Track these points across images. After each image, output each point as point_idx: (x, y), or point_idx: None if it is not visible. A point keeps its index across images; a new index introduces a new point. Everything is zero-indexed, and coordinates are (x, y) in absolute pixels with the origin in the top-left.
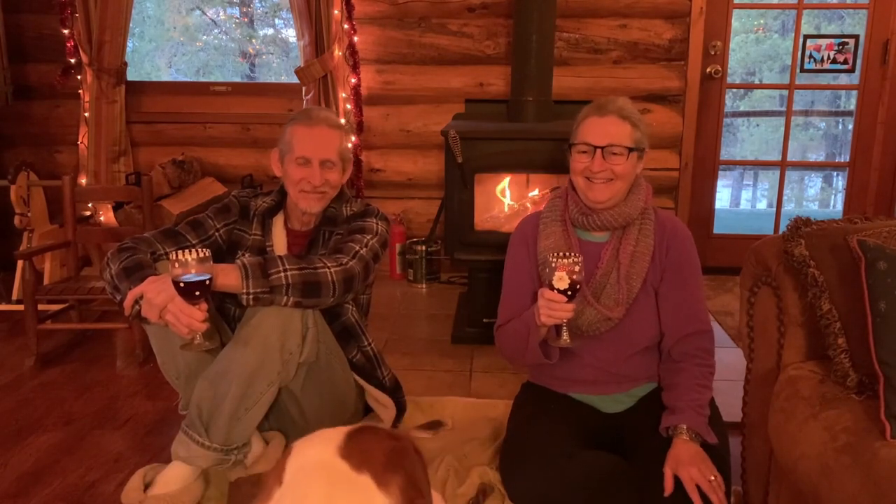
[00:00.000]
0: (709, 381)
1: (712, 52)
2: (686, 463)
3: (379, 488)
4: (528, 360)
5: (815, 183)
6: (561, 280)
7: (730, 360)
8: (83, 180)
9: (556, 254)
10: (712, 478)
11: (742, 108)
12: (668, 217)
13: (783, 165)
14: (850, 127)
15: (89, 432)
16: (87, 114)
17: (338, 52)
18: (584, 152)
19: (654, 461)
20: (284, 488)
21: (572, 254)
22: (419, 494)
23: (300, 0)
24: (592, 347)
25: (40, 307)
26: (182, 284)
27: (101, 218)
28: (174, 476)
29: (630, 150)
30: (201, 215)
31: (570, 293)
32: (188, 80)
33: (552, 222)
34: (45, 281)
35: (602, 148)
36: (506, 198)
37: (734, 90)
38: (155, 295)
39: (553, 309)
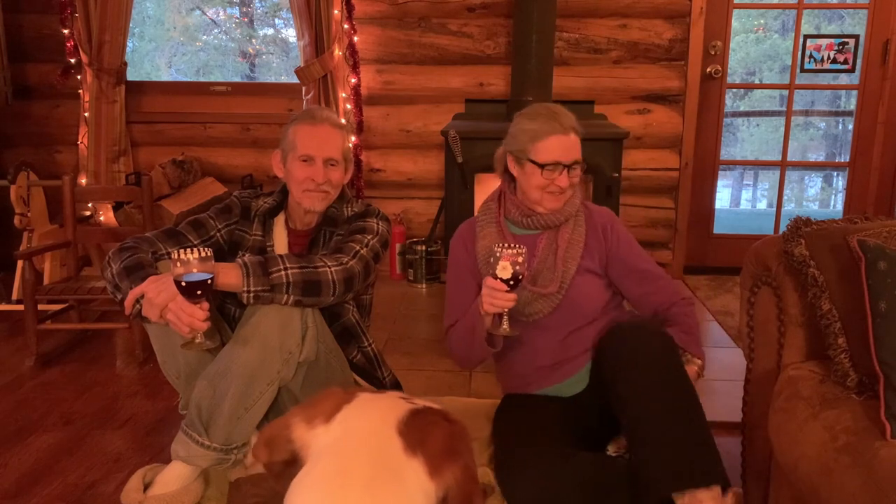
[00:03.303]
0: (693, 321)
1: (712, 52)
2: None
3: (430, 476)
4: (476, 354)
5: (815, 183)
6: (504, 269)
7: (730, 360)
8: (83, 180)
9: (500, 245)
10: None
11: (742, 108)
12: (593, 206)
13: (783, 165)
14: (850, 127)
15: (89, 432)
16: (86, 114)
17: (338, 52)
18: (552, 170)
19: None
20: (329, 436)
21: (517, 246)
22: (476, 489)
23: (300, 0)
24: (541, 332)
25: (40, 307)
26: (183, 284)
27: (101, 218)
28: (174, 476)
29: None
30: (202, 215)
31: (511, 283)
32: (188, 80)
33: (487, 224)
34: (45, 281)
35: (569, 165)
36: None
37: (734, 90)
38: (156, 294)
39: (495, 297)
